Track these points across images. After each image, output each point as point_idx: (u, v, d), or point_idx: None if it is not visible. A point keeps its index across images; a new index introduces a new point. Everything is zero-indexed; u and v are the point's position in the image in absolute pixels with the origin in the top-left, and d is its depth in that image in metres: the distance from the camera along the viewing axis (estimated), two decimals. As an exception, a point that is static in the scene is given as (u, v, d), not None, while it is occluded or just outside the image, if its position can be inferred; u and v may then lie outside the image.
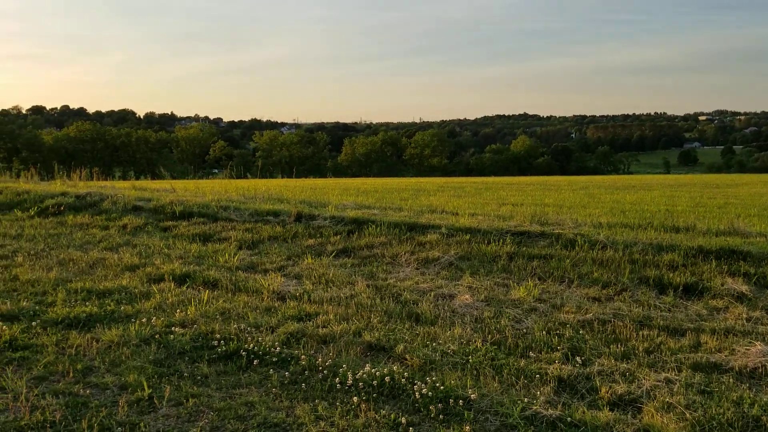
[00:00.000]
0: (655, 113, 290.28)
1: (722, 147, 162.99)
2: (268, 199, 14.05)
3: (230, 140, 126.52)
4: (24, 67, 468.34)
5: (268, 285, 7.36)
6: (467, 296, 6.89)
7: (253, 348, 5.33)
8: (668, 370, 4.96)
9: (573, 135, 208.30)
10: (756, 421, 4.09)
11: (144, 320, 6.04)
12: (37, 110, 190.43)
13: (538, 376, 4.82)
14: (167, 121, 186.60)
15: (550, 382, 4.70)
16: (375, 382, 4.64)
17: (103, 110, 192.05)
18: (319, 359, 5.12)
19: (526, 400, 4.37)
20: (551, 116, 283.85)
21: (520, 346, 5.50)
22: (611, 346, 5.46)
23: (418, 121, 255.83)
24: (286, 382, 4.79)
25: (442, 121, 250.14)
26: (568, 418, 4.11)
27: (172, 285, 7.48)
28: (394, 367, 4.94)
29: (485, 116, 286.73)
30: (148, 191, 15.86)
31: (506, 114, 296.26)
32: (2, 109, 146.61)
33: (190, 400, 4.44)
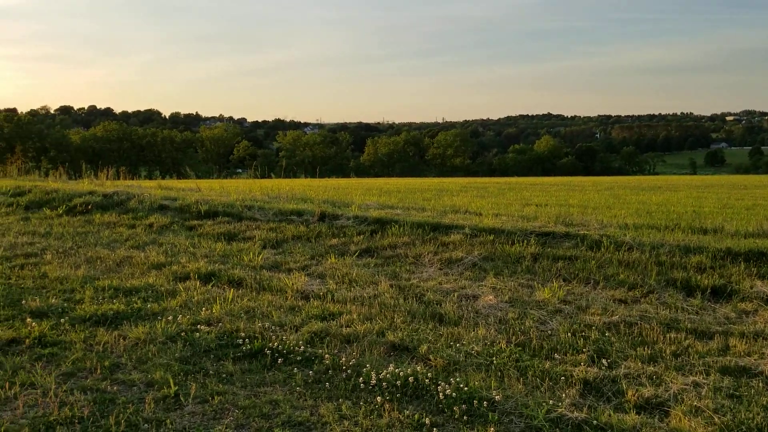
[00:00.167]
0: (682, 113, 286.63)
1: (750, 148, 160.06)
2: (291, 198, 14.12)
3: (254, 140, 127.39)
4: (52, 68, 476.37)
5: (292, 284, 7.40)
6: (491, 297, 6.86)
7: (278, 347, 5.36)
8: (696, 373, 4.89)
9: (598, 135, 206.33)
10: (787, 426, 4.01)
11: (170, 318, 6.10)
12: (65, 110, 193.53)
13: (563, 378, 4.78)
14: (192, 121, 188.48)
15: (575, 385, 4.66)
16: (399, 382, 4.64)
17: (130, 110, 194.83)
18: (343, 359, 5.13)
19: (551, 402, 4.34)
20: (575, 116, 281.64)
21: (544, 347, 5.46)
22: (638, 349, 5.40)
23: (440, 121, 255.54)
24: (310, 381, 4.81)
25: (465, 121, 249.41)
26: (594, 421, 4.08)
27: (198, 283, 7.56)
28: (418, 368, 4.93)
29: (508, 116, 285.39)
30: (174, 190, 16.03)
31: (530, 114, 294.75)
32: (31, 110, 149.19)
33: (216, 397, 4.48)
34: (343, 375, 4.87)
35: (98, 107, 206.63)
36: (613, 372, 4.89)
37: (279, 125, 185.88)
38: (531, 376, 4.84)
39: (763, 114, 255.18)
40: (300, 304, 6.77)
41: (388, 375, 4.75)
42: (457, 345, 5.48)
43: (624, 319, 6.14)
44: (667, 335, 5.74)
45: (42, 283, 7.64)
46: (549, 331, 5.88)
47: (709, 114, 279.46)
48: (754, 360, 5.13)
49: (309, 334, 5.72)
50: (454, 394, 4.44)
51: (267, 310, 6.52)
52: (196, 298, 6.91)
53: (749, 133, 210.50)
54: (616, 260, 8.07)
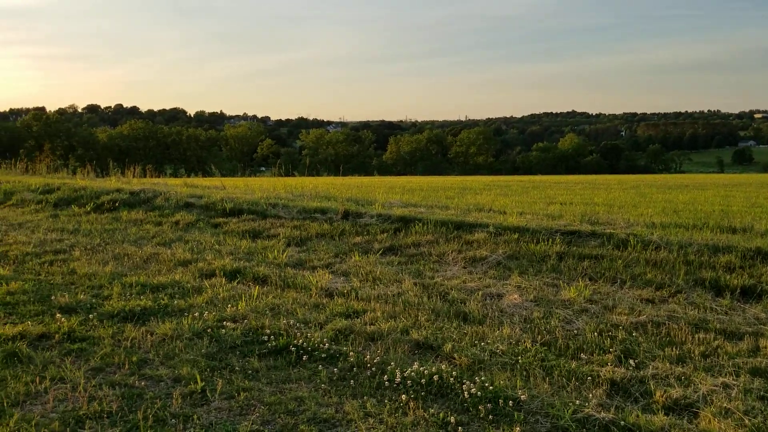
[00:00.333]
0: (709, 111, 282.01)
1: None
2: (315, 196, 14.16)
3: (277, 138, 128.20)
4: (79, 67, 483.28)
5: (316, 282, 7.42)
6: (516, 296, 6.82)
7: (302, 344, 5.38)
8: (725, 374, 4.81)
9: (623, 133, 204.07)
10: (820, 429, 3.93)
11: (196, 314, 6.16)
12: (92, 109, 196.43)
13: (589, 378, 4.73)
14: (216, 119, 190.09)
15: (602, 385, 4.62)
16: (423, 381, 4.64)
17: (155, 109, 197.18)
18: (368, 356, 5.14)
19: (577, 402, 4.30)
20: (600, 114, 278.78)
21: (570, 347, 5.41)
22: (666, 349, 5.33)
23: (463, 119, 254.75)
24: (334, 378, 4.82)
25: (488, 119, 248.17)
26: (622, 422, 4.03)
27: (223, 280, 7.62)
28: (443, 366, 4.92)
29: (532, 114, 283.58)
30: (199, 188, 16.17)
31: (554, 111, 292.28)
32: (59, 108, 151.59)
33: (242, 393, 4.51)
34: (368, 373, 4.87)
35: (124, 106, 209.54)
36: (641, 372, 4.83)
37: (302, 123, 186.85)
38: (557, 375, 4.81)
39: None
40: (324, 301, 6.80)
41: (412, 373, 4.74)
42: (482, 344, 5.45)
43: (651, 319, 6.06)
44: (696, 335, 5.66)
45: (71, 279, 7.75)
46: (575, 331, 5.83)
47: (736, 112, 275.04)
48: (786, 362, 5.03)
49: (333, 332, 5.73)
50: (479, 393, 4.42)
51: (292, 307, 6.55)
52: (221, 294, 6.97)
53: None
54: (643, 259, 7.97)
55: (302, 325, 5.92)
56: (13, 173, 22.07)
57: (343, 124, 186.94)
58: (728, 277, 7.23)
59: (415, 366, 4.86)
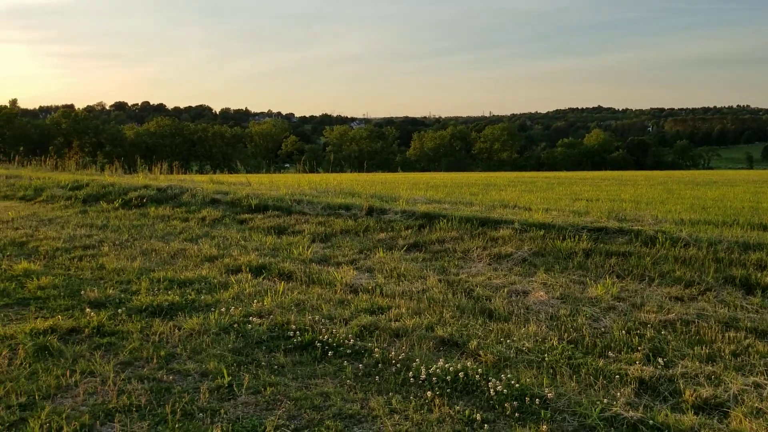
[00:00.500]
0: (738, 106, 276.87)
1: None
2: (339, 192, 14.20)
3: (301, 135, 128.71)
4: (106, 65, 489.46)
5: (341, 278, 7.44)
6: (542, 293, 6.77)
7: (328, 339, 5.40)
8: (757, 374, 4.73)
9: (650, 128, 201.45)
10: None
11: (223, 310, 6.21)
12: (120, 106, 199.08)
13: (617, 376, 4.68)
14: (241, 116, 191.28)
15: (630, 384, 4.56)
16: (448, 378, 4.62)
17: (181, 106, 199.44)
18: (392, 353, 5.14)
19: (605, 401, 4.25)
20: (627, 109, 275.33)
21: (598, 345, 5.35)
22: (695, 348, 5.25)
23: (487, 114, 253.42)
24: (360, 374, 4.83)
25: (513, 115, 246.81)
26: (650, 421, 3.98)
27: (249, 276, 7.67)
28: (468, 363, 4.90)
29: (557, 109, 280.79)
30: (225, 184, 16.29)
31: (579, 107, 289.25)
32: (87, 106, 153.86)
33: (268, 388, 4.54)
34: (393, 369, 4.87)
35: (151, 103, 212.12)
36: (670, 371, 4.77)
37: (326, 120, 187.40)
38: (584, 374, 4.76)
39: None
40: (349, 297, 6.81)
41: (437, 370, 4.73)
42: (508, 341, 5.42)
43: (680, 317, 5.97)
44: (726, 334, 5.56)
45: (100, 274, 7.87)
46: (602, 329, 5.77)
47: (766, 107, 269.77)
48: (820, 361, 4.92)
49: (358, 328, 5.74)
50: (505, 390, 4.40)
51: (317, 303, 6.57)
52: (247, 290, 7.02)
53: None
54: (672, 257, 7.87)
55: (327, 321, 5.94)
56: (43, 170, 22.45)
57: (366, 121, 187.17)
58: (759, 274, 7.11)
59: (441, 363, 4.85)
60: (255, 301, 6.58)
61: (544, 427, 3.96)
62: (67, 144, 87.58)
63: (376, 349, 5.20)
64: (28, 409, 4.19)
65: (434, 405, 4.28)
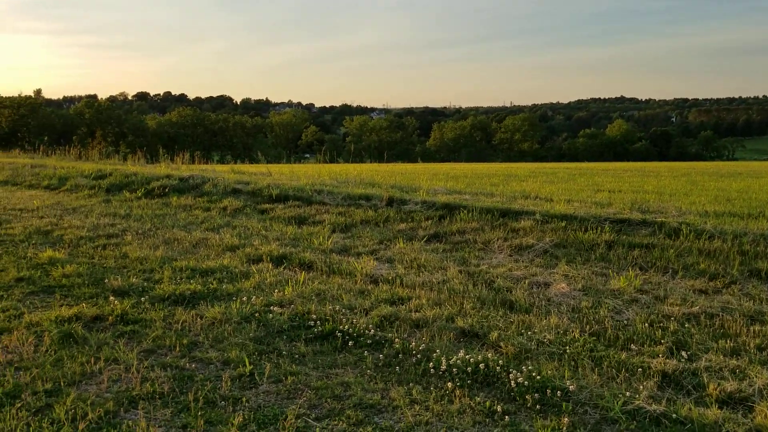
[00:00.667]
0: (764, 96, 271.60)
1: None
2: (359, 183, 14.21)
3: (321, 125, 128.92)
4: (129, 55, 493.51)
5: (361, 268, 7.45)
6: (563, 285, 6.73)
7: (348, 329, 5.41)
8: (783, 369, 4.66)
9: (673, 119, 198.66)
10: None
11: (244, 299, 6.25)
12: (142, 96, 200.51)
13: (640, 369, 4.64)
14: (262, 106, 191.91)
15: (653, 377, 4.52)
16: (469, 369, 4.61)
17: (203, 96, 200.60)
18: (413, 343, 5.14)
19: (627, 394, 4.22)
20: (650, 99, 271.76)
21: (620, 338, 5.31)
22: (719, 341, 5.18)
23: (508, 105, 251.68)
24: (380, 364, 4.84)
25: (534, 105, 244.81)
26: (673, 415, 3.94)
27: (270, 266, 7.71)
28: (489, 355, 4.89)
29: (579, 99, 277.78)
30: (246, 174, 16.38)
31: (601, 97, 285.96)
32: (110, 96, 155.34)
33: (289, 378, 4.56)
34: (413, 360, 4.87)
35: (173, 93, 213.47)
36: (694, 365, 4.72)
37: (346, 110, 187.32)
38: (606, 366, 4.72)
39: None
40: (369, 287, 6.82)
41: (458, 361, 4.72)
42: (529, 333, 5.40)
43: (705, 310, 5.90)
44: (751, 328, 5.49)
45: (123, 263, 7.95)
46: (625, 321, 5.72)
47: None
48: None
49: (378, 318, 5.75)
50: (526, 382, 4.38)
51: (337, 293, 6.59)
52: (268, 279, 7.05)
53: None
54: (696, 249, 7.77)
55: (348, 311, 5.95)
56: (67, 159, 22.73)
57: (386, 111, 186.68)
58: (786, 268, 6.99)
59: (461, 354, 4.84)
60: (276, 290, 6.62)
61: (566, 419, 3.94)
62: (91, 134, 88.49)
63: (397, 340, 5.20)
64: (54, 395, 4.26)
65: (455, 396, 4.28)
